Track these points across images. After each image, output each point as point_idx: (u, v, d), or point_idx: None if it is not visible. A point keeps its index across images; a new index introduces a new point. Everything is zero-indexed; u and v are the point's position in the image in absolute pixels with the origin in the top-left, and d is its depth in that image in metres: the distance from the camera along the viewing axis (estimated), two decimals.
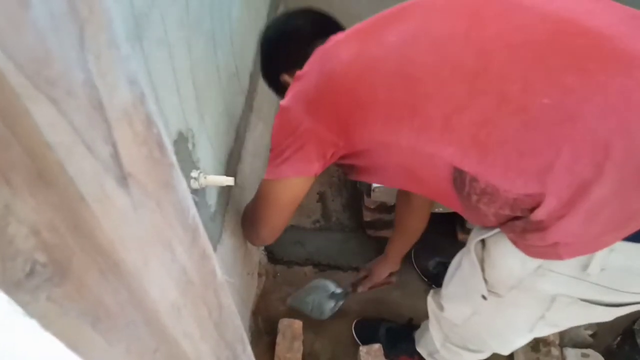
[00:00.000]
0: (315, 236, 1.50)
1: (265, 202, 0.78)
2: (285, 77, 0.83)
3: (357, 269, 1.33)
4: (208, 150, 0.81)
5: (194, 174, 0.71)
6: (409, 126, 0.59)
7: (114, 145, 0.22)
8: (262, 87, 1.33)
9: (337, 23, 0.84)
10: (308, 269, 1.39)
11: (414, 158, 0.63)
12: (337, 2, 1.68)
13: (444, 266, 1.31)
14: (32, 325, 0.20)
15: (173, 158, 0.28)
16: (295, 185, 0.73)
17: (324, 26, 0.81)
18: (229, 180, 0.72)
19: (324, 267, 1.41)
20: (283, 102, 0.70)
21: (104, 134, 0.21)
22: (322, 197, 1.63)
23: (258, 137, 1.29)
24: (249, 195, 1.18)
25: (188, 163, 0.70)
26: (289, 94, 0.70)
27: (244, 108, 1.10)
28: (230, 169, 0.97)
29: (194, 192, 0.73)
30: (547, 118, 0.53)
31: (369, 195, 1.23)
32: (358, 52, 0.63)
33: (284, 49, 0.85)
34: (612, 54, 0.53)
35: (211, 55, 0.81)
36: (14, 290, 0.19)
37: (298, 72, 0.70)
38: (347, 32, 0.70)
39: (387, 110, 0.60)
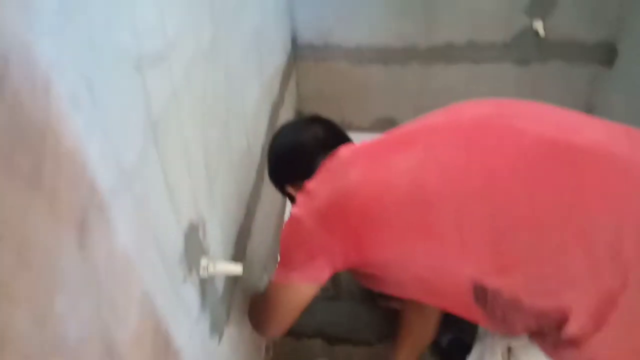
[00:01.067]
0: (325, 306, 1.47)
1: (273, 304, 0.80)
2: (290, 189, 0.88)
3: (368, 343, 1.28)
4: (218, 234, 0.81)
5: (203, 262, 0.70)
6: (424, 247, 0.59)
7: None
8: None
9: (341, 134, 0.88)
10: (317, 343, 1.35)
11: (432, 273, 0.62)
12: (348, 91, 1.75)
13: (458, 342, 1.26)
14: None
15: None
16: (303, 290, 0.74)
17: (329, 139, 0.84)
18: (237, 270, 0.71)
19: (333, 340, 1.36)
20: (295, 211, 0.72)
21: None
22: None
23: (268, 207, 1.30)
24: (257, 269, 1.17)
25: (198, 251, 0.70)
26: (300, 205, 0.73)
27: (254, 181, 1.11)
28: (239, 246, 0.97)
29: (203, 281, 0.72)
30: (559, 232, 0.53)
31: None
32: (367, 175, 0.65)
33: (289, 165, 0.89)
34: (606, 161, 0.55)
35: (224, 141, 0.83)
36: None
37: (307, 186, 0.73)
38: (354, 152, 0.73)
39: (400, 232, 0.61)
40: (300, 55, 1.69)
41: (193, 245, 0.68)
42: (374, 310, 1.42)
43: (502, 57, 1.60)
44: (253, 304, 0.98)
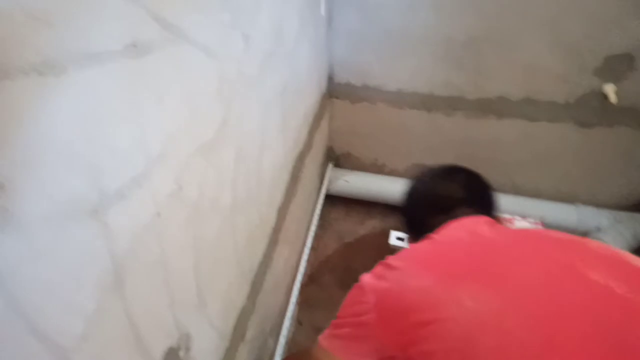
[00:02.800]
0: None
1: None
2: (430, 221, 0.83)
3: None
4: (209, 336, 0.71)
5: None
6: None
7: None
8: (292, 213, 1.24)
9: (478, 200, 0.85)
10: None
11: None
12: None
13: None
14: None
15: None
16: None
17: (462, 202, 0.83)
18: None
19: None
20: (363, 279, 0.69)
21: None
22: None
23: (281, 267, 1.19)
24: (258, 342, 1.06)
25: None
26: (375, 272, 0.69)
27: (266, 250, 1.00)
28: (237, 332, 0.86)
29: None
30: None
31: None
32: (429, 291, 0.60)
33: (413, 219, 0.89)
34: None
35: (227, 228, 0.73)
36: None
37: (389, 260, 0.69)
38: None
39: None
40: (335, 94, 1.57)
41: None
42: None
43: (562, 118, 1.42)
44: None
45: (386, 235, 1.50)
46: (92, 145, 0.37)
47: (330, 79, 1.51)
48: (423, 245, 0.72)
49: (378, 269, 0.70)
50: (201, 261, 0.63)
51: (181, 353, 0.61)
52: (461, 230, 0.73)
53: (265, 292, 1.04)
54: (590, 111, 1.38)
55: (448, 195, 0.84)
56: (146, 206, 0.46)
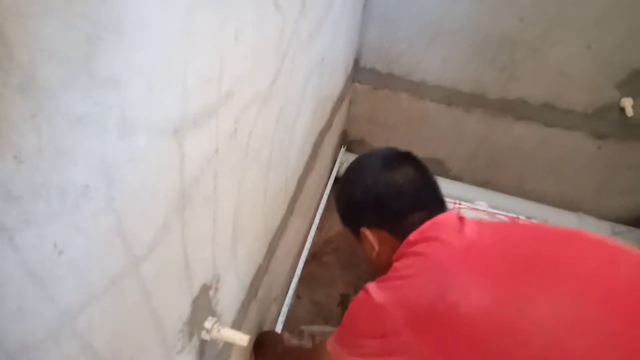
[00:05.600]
0: None
1: None
2: (366, 232, 0.78)
3: None
4: (233, 284, 0.73)
5: (208, 324, 0.63)
6: None
7: None
8: (309, 187, 1.27)
9: (433, 184, 0.79)
10: None
11: None
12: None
13: None
14: None
15: None
16: None
17: (425, 188, 0.77)
18: (242, 341, 0.63)
19: None
20: (379, 296, 0.62)
21: None
22: (344, 301, 1.52)
23: (292, 237, 1.22)
24: (267, 301, 1.09)
25: (205, 313, 0.62)
26: (387, 289, 0.63)
27: (283, 217, 1.03)
28: (253, 286, 0.89)
29: (203, 342, 0.64)
30: None
31: None
32: (491, 307, 0.54)
33: (376, 207, 0.77)
34: None
35: (260, 185, 0.75)
36: None
37: (401, 270, 0.64)
38: (469, 249, 0.62)
39: None
40: (359, 78, 1.58)
41: (200, 308, 0.60)
42: None
43: (579, 126, 1.46)
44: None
45: None
46: (184, 66, 0.39)
47: (356, 62, 1.53)
48: (434, 249, 0.64)
49: (388, 278, 0.65)
50: (240, 208, 0.65)
51: (211, 292, 0.63)
52: (456, 231, 0.66)
53: (277, 257, 1.06)
54: (607, 123, 1.42)
55: (403, 186, 0.75)
56: (210, 140, 0.48)
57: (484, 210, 1.43)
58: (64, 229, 0.29)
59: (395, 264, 0.67)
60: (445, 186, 1.69)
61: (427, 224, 0.70)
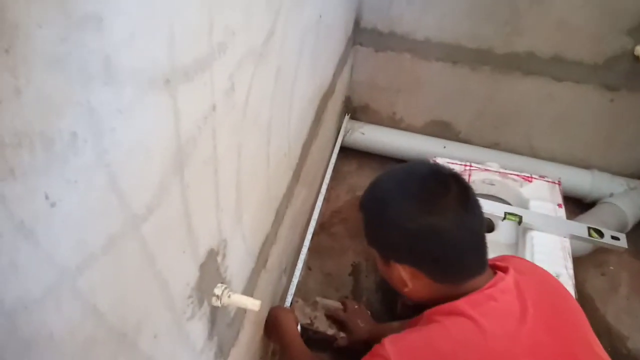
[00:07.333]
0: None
1: None
2: (399, 268, 0.67)
3: None
4: (241, 250, 0.72)
5: (217, 290, 0.62)
6: None
7: None
8: (313, 155, 1.25)
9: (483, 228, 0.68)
10: (327, 356, 1.27)
11: None
12: None
13: None
14: None
15: None
16: None
17: (475, 244, 0.66)
18: (254, 306, 0.62)
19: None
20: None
21: None
22: (355, 270, 1.52)
23: (299, 206, 1.20)
24: (276, 272, 1.09)
25: (214, 279, 0.61)
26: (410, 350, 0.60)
27: (289, 184, 1.01)
28: (262, 255, 0.88)
29: (214, 309, 0.64)
30: None
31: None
32: None
33: (415, 256, 0.66)
34: None
35: (263, 148, 0.73)
36: None
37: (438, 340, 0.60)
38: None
39: None
40: (360, 40, 1.54)
41: (208, 274, 0.59)
42: None
43: (589, 79, 1.41)
44: None
45: None
46: (169, 9, 0.36)
47: (357, 23, 1.48)
48: (490, 336, 0.58)
49: (421, 350, 0.60)
50: (242, 170, 0.64)
51: (219, 258, 0.62)
52: (516, 321, 0.60)
53: (285, 226, 1.05)
54: (618, 74, 1.37)
55: (458, 237, 0.64)
56: (206, 94, 0.46)
57: (496, 171, 1.41)
58: (54, 181, 0.27)
59: (436, 328, 0.61)
60: (456, 149, 1.69)
61: (482, 296, 0.62)
